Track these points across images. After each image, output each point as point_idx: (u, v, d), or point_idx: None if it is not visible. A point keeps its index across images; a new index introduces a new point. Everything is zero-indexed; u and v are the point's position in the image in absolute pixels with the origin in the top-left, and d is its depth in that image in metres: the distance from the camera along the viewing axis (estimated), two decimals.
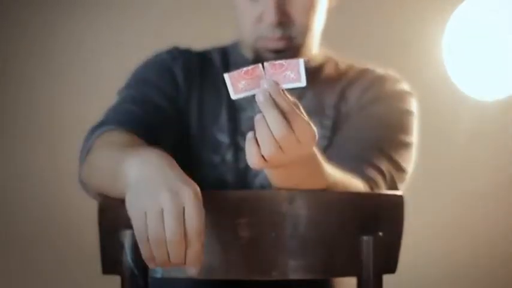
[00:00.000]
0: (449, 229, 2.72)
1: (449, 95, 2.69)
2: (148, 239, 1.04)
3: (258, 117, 1.04)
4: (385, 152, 1.45)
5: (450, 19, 2.65)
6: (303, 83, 1.04)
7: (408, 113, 1.54)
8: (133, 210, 1.05)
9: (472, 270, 2.70)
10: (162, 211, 1.03)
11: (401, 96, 1.56)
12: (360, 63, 1.63)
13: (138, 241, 1.05)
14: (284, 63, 1.05)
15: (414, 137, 1.53)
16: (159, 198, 1.03)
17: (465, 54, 2.66)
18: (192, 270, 1.06)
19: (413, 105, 1.56)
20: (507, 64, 2.64)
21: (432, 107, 2.57)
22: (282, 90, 1.04)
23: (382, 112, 1.53)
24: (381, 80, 1.58)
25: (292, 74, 1.04)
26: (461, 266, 2.70)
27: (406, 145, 1.50)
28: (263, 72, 1.05)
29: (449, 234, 2.72)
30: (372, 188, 1.37)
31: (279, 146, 1.04)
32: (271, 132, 1.03)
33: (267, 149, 1.04)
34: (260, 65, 1.05)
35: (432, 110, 2.56)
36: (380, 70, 1.61)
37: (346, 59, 1.64)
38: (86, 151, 1.35)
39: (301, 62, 1.04)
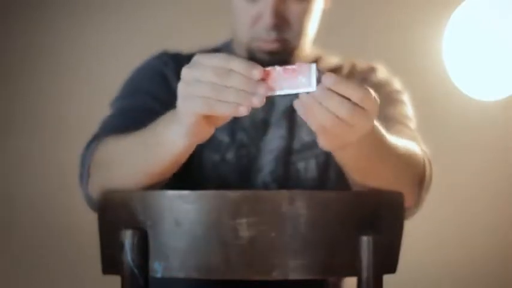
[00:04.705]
0: (449, 229, 2.72)
1: (449, 95, 2.69)
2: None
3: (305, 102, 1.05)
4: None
5: (450, 19, 2.65)
6: (313, 87, 1.04)
7: (399, 93, 1.57)
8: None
9: (472, 270, 2.70)
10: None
11: (388, 81, 1.58)
12: (348, 59, 1.65)
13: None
14: (296, 68, 1.05)
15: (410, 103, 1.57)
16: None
17: (465, 55, 2.66)
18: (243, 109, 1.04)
19: (400, 84, 1.59)
20: (507, 64, 2.64)
21: (432, 107, 2.58)
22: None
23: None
24: (369, 71, 1.61)
25: (303, 79, 1.05)
26: (461, 266, 2.70)
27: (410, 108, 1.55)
28: (274, 74, 1.05)
29: (449, 234, 2.72)
30: (424, 157, 1.37)
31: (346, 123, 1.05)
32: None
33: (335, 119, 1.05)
34: (271, 68, 1.06)
35: (432, 110, 2.56)
36: (364, 62, 1.63)
37: (334, 56, 1.65)
38: (86, 167, 1.33)
39: (313, 67, 1.05)
